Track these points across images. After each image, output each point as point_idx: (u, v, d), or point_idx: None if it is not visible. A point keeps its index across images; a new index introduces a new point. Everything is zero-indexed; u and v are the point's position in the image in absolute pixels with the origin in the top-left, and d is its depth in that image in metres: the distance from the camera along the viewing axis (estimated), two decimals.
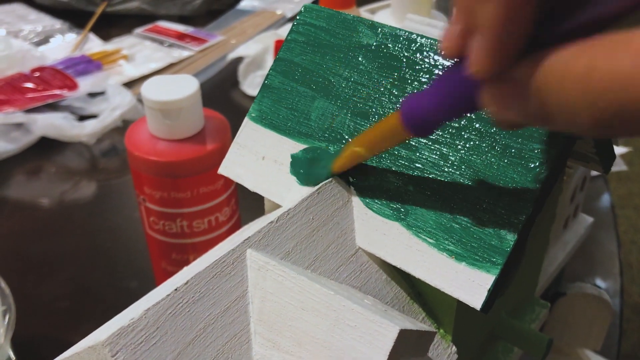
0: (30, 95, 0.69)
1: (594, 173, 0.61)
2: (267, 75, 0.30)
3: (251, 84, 0.76)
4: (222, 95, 0.76)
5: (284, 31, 0.84)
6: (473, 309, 0.23)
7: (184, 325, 0.21)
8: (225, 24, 0.92)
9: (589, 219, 0.42)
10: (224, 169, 0.29)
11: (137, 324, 0.20)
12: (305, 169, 0.27)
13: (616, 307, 0.49)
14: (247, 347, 0.22)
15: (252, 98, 0.74)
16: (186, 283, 0.21)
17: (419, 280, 0.26)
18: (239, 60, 0.79)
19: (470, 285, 0.23)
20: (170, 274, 0.43)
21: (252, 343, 0.22)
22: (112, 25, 0.91)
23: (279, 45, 0.66)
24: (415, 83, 0.26)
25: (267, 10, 0.95)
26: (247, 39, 0.85)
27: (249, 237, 0.23)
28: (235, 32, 0.89)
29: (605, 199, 0.62)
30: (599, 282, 0.53)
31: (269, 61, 0.78)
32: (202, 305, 0.21)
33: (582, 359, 0.45)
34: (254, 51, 0.78)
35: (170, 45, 0.84)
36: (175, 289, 0.21)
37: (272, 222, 0.24)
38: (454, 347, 0.26)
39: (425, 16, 0.34)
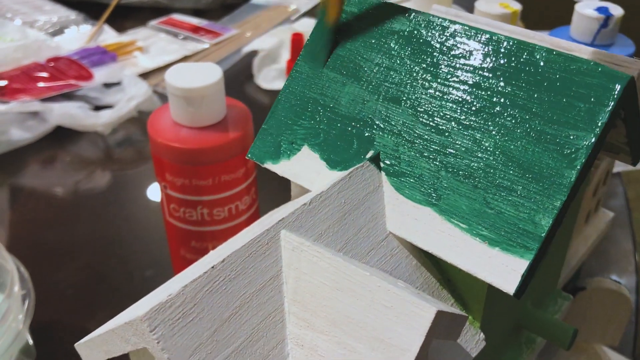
0: (45, 84, 0.70)
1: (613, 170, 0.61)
2: (297, 61, 0.30)
3: (266, 78, 0.76)
4: (237, 88, 0.76)
5: (299, 25, 0.84)
6: (502, 297, 0.23)
7: (220, 303, 0.21)
8: (240, 17, 0.92)
9: (610, 214, 0.42)
10: (252, 154, 0.29)
11: (175, 300, 0.20)
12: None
13: (632, 304, 0.49)
14: (282, 326, 0.22)
15: (266, 91, 0.75)
16: (223, 261, 0.21)
17: (449, 266, 0.26)
18: (253, 53, 0.79)
19: (503, 270, 0.23)
20: (189, 262, 0.43)
21: (286, 322, 0.22)
22: (126, 18, 0.91)
23: (296, 38, 0.66)
24: (448, 68, 0.26)
25: (281, 5, 0.95)
26: (262, 33, 0.86)
27: (283, 218, 0.23)
28: (250, 26, 0.89)
29: (621, 197, 0.62)
30: (615, 279, 0.53)
31: (284, 55, 0.78)
32: (238, 283, 0.21)
33: (598, 355, 0.44)
34: (269, 45, 0.78)
35: (185, 38, 0.84)
36: (213, 267, 0.21)
37: (305, 204, 0.24)
38: (482, 334, 0.26)
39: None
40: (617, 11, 0.47)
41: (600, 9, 0.48)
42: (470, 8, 0.55)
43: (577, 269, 0.40)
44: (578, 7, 0.48)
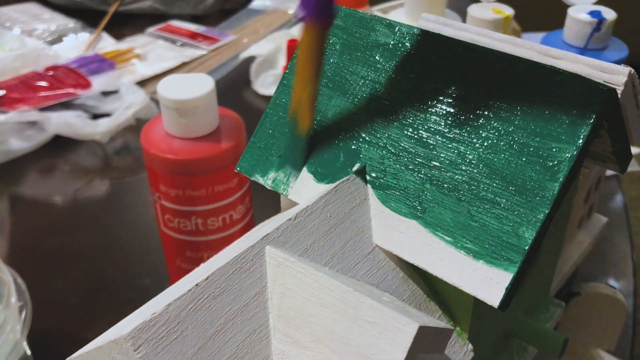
0: (44, 93, 0.70)
1: (608, 173, 0.61)
2: (284, 74, 0.30)
3: (263, 83, 0.76)
4: (235, 94, 0.76)
5: (296, 31, 0.84)
6: (490, 307, 0.23)
7: (204, 320, 0.21)
8: (237, 23, 0.92)
9: (604, 219, 0.42)
10: (241, 167, 0.30)
11: (159, 319, 0.20)
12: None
13: (629, 307, 0.49)
14: (267, 342, 0.22)
15: (264, 97, 0.75)
16: (207, 279, 0.21)
17: (435, 278, 0.26)
18: (251, 59, 0.79)
19: (488, 283, 0.23)
20: (184, 272, 0.43)
21: (271, 339, 0.22)
22: (124, 25, 0.91)
23: (292, 44, 0.66)
24: (432, 81, 0.26)
25: (279, 10, 0.95)
26: (260, 39, 0.86)
27: (268, 234, 0.23)
28: (248, 32, 0.89)
29: (618, 200, 0.62)
30: (612, 282, 0.53)
31: (281, 61, 0.78)
32: (222, 300, 0.21)
33: (595, 359, 0.44)
34: (267, 50, 0.78)
35: (183, 45, 0.85)
36: (197, 284, 0.21)
37: (290, 219, 0.24)
38: (470, 345, 0.26)
39: (439, 16, 0.34)
40: (610, 15, 0.47)
41: (593, 13, 0.48)
42: (463, 13, 0.56)
43: (571, 274, 0.40)
44: (571, 11, 0.48)
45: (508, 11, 0.50)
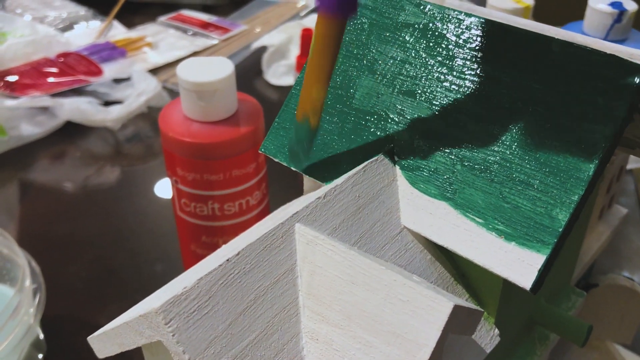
0: (55, 80, 0.70)
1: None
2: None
3: (275, 74, 0.76)
4: (246, 84, 0.76)
5: (309, 21, 0.84)
6: (517, 292, 0.23)
7: (235, 296, 0.20)
8: (249, 13, 0.92)
9: (624, 210, 0.41)
10: (265, 148, 0.29)
11: (190, 293, 0.20)
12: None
13: None
14: (296, 320, 0.22)
15: (275, 87, 0.74)
16: (237, 254, 0.21)
17: (463, 261, 0.25)
18: (262, 49, 0.79)
19: (520, 265, 0.23)
20: (199, 257, 0.43)
21: (301, 316, 0.22)
22: (135, 13, 0.91)
23: (306, 34, 0.65)
24: (464, 61, 0.26)
25: (290, 1, 0.95)
26: (271, 29, 0.85)
27: (297, 211, 0.23)
28: (259, 22, 0.89)
29: (633, 195, 0.61)
30: (627, 276, 0.52)
31: (293, 51, 0.78)
32: (253, 276, 0.21)
33: (611, 353, 0.44)
34: (278, 41, 0.78)
35: (194, 34, 0.84)
36: (227, 260, 0.21)
37: (319, 197, 0.24)
38: (496, 329, 0.26)
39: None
40: (631, 6, 0.47)
41: (614, 4, 0.47)
42: (482, 3, 0.55)
43: (589, 266, 0.40)
44: (591, 2, 0.48)
45: (528, 1, 0.50)
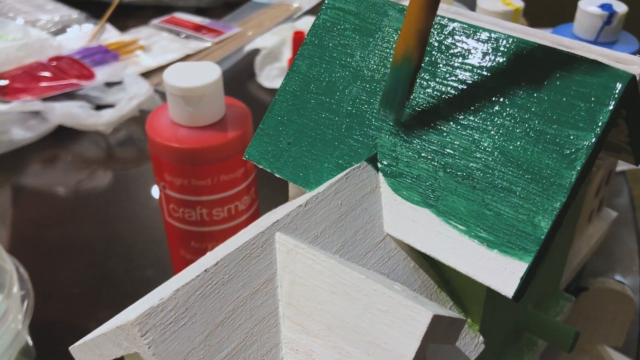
0: (47, 84, 0.69)
1: (617, 169, 0.60)
2: (294, 61, 0.29)
3: (268, 76, 0.76)
4: (239, 87, 0.76)
5: (301, 24, 0.84)
6: (501, 299, 0.23)
7: (213, 307, 0.20)
8: (242, 16, 0.92)
9: (614, 214, 0.41)
10: (249, 155, 0.29)
11: (167, 304, 0.19)
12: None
13: (637, 304, 0.49)
14: (276, 330, 0.22)
15: (268, 90, 0.74)
16: (216, 264, 0.21)
17: (447, 268, 0.25)
18: (255, 52, 0.78)
19: (502, 273, 0.22)
20: (188, 262, 0.43)
21: (281, 327, 0.22)
22: (128, 16, 0.91)
23: (297, 36, 0.65)
24: (447, 67, 0.25)
25: (284, 3, 0.95)
26: (264, 31, 0.85)
27: (278, 220, 0.23)
28: (252, 25, 0.89)
29: (625, 196, 0.61)
30: (619, 279, 0.52)
31: (286, 53, 0.78)
32: (232, 287, 0.21)
33: (602, 356, 0.44)
34: (271, 43, 0.78)
35: (187, 37, 0.84)
36: (205, 270, 0.20)
37: (300, 205, 0.23)
38: (481, 337, 0.26)
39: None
40: (620, 8, 0.47)
41: (603, 6, 0.47)
42: (472, 6, 0.55)
43: (580, 269, 0.40)
44: (581, 4, 0.48)
45: (518, 3, 0.50)
